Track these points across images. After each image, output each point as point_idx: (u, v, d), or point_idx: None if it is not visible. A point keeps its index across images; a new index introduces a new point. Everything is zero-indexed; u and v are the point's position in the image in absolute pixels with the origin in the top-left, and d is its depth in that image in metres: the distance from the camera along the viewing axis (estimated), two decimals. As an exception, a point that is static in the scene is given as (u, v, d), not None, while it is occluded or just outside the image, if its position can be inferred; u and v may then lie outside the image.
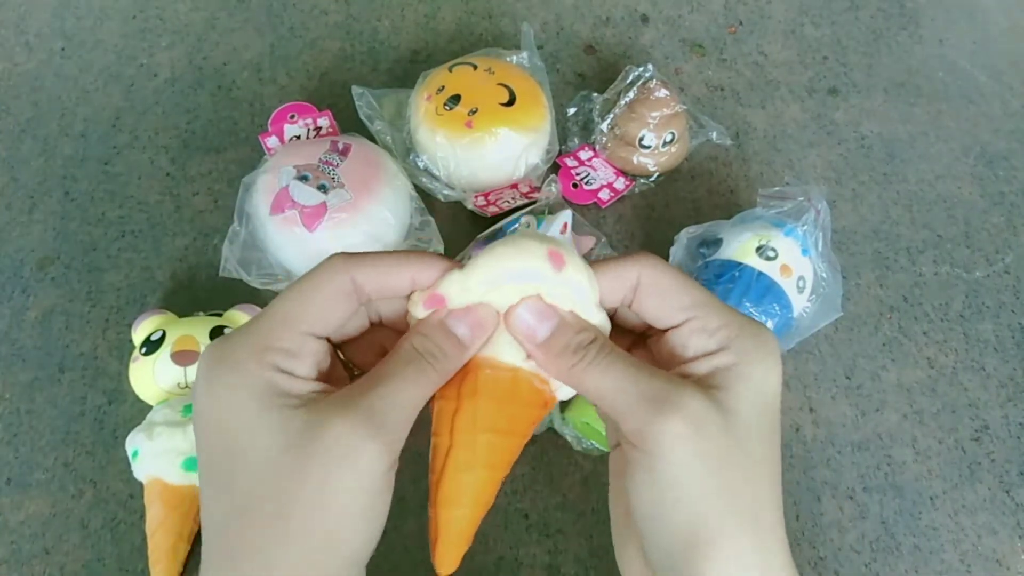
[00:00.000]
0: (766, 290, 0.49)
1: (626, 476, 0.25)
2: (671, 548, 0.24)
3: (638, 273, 0.26)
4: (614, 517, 0.29)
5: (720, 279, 0.49)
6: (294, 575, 0.22)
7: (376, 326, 0.28)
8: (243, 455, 0.23)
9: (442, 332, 0.25)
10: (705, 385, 0.24)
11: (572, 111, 0.64)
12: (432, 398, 0.26)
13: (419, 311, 0.26)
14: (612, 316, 0.28)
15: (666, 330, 0.26)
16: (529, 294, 0.25)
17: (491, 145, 0.55)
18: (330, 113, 0.58)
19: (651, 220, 0.60)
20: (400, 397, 0.24)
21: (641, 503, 0.24)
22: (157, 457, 0.44)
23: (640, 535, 0.25)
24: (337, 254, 0.25)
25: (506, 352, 0.26)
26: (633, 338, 0.29)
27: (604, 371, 0.25)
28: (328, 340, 0.26)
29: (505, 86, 0.56)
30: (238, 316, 0.51)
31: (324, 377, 0.25)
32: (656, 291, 0.26)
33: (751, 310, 0.48)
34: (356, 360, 0.28)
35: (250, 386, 0.23)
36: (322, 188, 0.52)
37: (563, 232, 0.51)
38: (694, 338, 0.26)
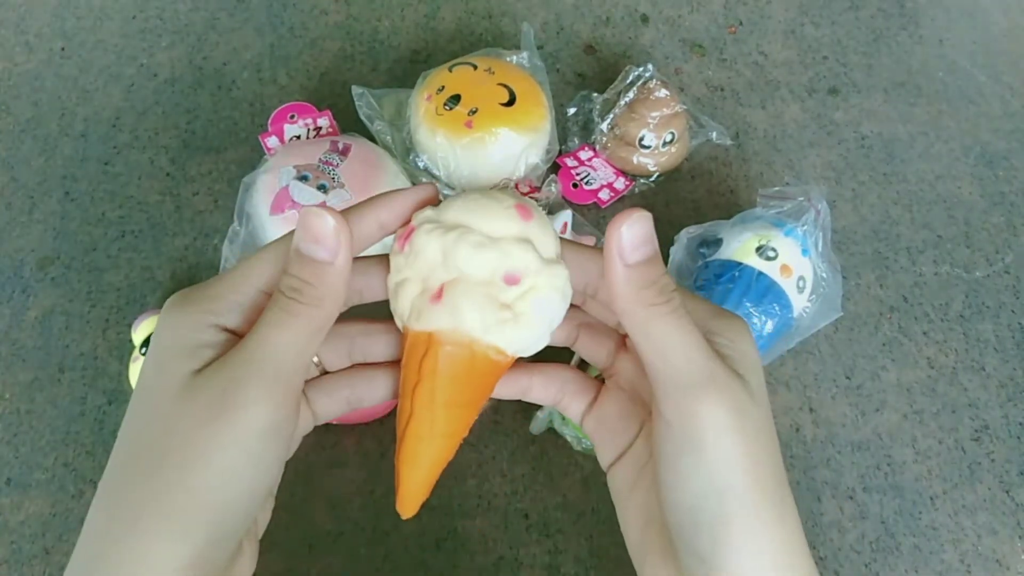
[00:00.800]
0: (766, 290, 0.49)
1: (663, 462, 0.24)
2: (708, 547, 0.23)
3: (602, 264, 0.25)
4: (631, 534, 0.28)
5: (720, 279, 0.49)
6: (160, 531, 0.22)
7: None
8: (145, 396, 0.23)
9: (299, 260, 0.23)
10: (735, 371, 0.24)
11: (572, 111, 0.64)
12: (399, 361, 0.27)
13: (394, 252, 0.26)
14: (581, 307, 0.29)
15: None
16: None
17: (491, 145, 0.55)
18: (330, 113, 0.59)
19: (651, 220, 0.60)
20: (275, 344, 0.23)
21: (683, 496, 0.24)
22: (157, 457, 0.44)
23: (674, 535, 0.25)
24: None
25: (468, 319, 0.25)
26: (617, 338, 0.29)
27: (680, 327, 0.23)
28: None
29: (505, 86, 0.56)
30: (238, 316, 0.51)
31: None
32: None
33: (751, 310, 0.48)
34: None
35: (177, 330, 0.23)
36: (322, 188, 0.52)
37: (563, 232, 0.51)
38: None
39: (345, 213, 0.25)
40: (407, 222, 0.27)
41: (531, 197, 0.57)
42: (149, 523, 0.21)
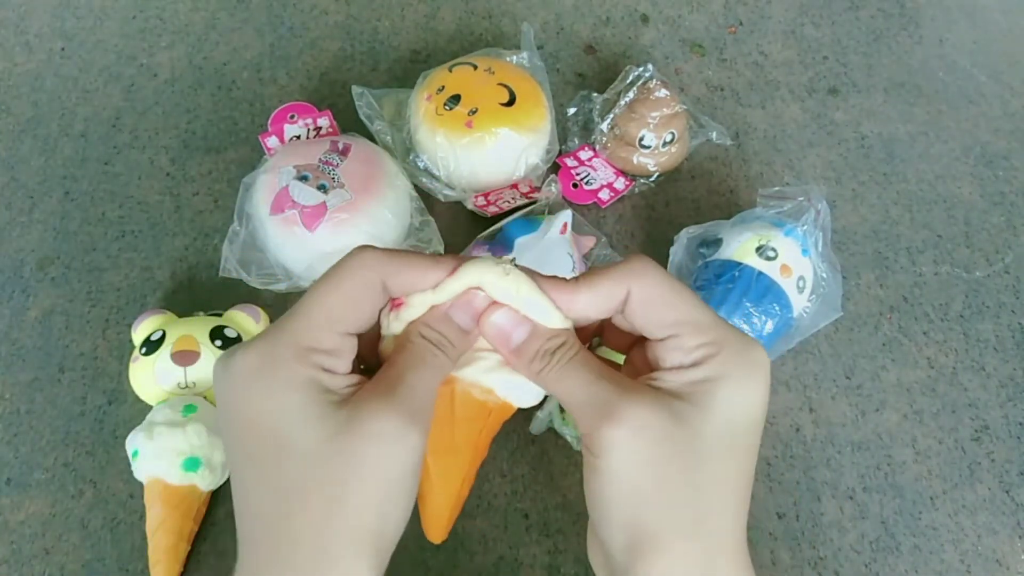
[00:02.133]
0: (766, 290, 0.49)
1: (585, 479, 0.26)
2: (617, 547, 0.25)
3: (627, 288, 0.27)
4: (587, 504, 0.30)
5: (720, 279, 0.49)
6: (346, 557, 0.23)
7: None
8: (290, 448, 0.24)
9: (446, 322, 0.27)
10: (673, 396, 0.25)
11: (572, 111, 0.64)
12: None
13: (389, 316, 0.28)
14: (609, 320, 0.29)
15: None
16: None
17: (491, 145, 0.55)
18: (330, 113, 0.59)
19: (651, 220, 0.60)
20: (423, 385, 0.26)
21: (590, 502, 0.26)
22: (157, 457, 0.44)
23: (597, 536, 0.27)
24: (366, 249, 0.26)
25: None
26: (634, 338, 0.29)
27: (565, 376, 0.26)
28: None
29: (505, 86, 0.56)
30: (238, 316, 0.51)
31: (354, 369, 0.27)
32: (642, 306, 0.27)
33: (751, 310, 0.48)
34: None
35: (296, 385, 0.24)
36: (322, 188, 0.52)
37: (563, 232, 0.51)
38: (671, 355, 0.26)
39: (408, 261, 0.27)
40: None
41: (531, 197, 0.57)
42: (339, 544, 0.23)
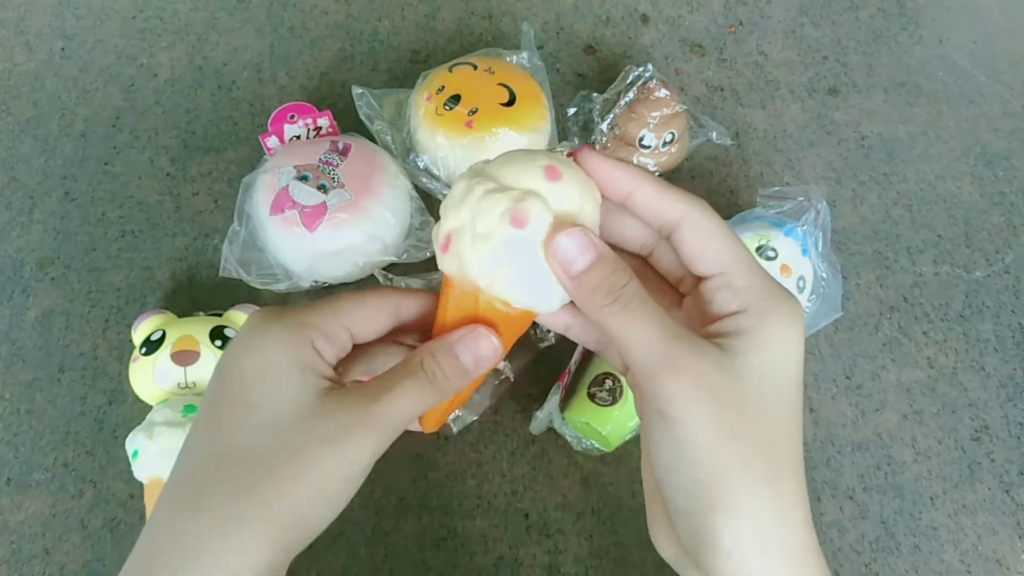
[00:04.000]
0: (766, 290, 0.48)
1: (644, 435, 0.26)
2: (689, 507, 0.25)
3: (683, 211, 0.26)
4: (646, 488, 0.30)
5: (720, 279, 0.49)
6: (252, 535, 0.24)
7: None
8: (256, 407, 0.25)
9: (448, 357, 0.27)
10: (723, 347, 0.25)
11: (572, 111, 0.64)
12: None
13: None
14: (647, 260, 0.29)
15: (698, 283, 0.27)
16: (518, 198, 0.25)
17: (491, 145, 0.55)
18: (330, 113, 0.58)
19: (651, 220, 0.60)
20: (400, 406, 0.26)
21: (658, 460, 0.25)
22: (157, 457, 0.44)
23: (662, 495, 0.26)
24: (390, 286, 0.29)
25: (469, 269, 0.26)
26: (670, 299, 0.30)
27: (632, 320, 0.25)
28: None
29: (505, 86, 0.56)
30: (238, 316, 0.51)
31: (338, 367, 0.28)
32: (697, 236, 0.26)
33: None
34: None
35: (287, 347, 0.26)
36: (322, 188, 0.52)
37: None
38: (720, 294, 0.26)
39: (421, 294, 0.30)
40: None
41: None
42: (250, 523, 0.24)
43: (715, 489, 0.24)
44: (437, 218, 0.28)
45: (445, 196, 0.27)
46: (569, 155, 0.27)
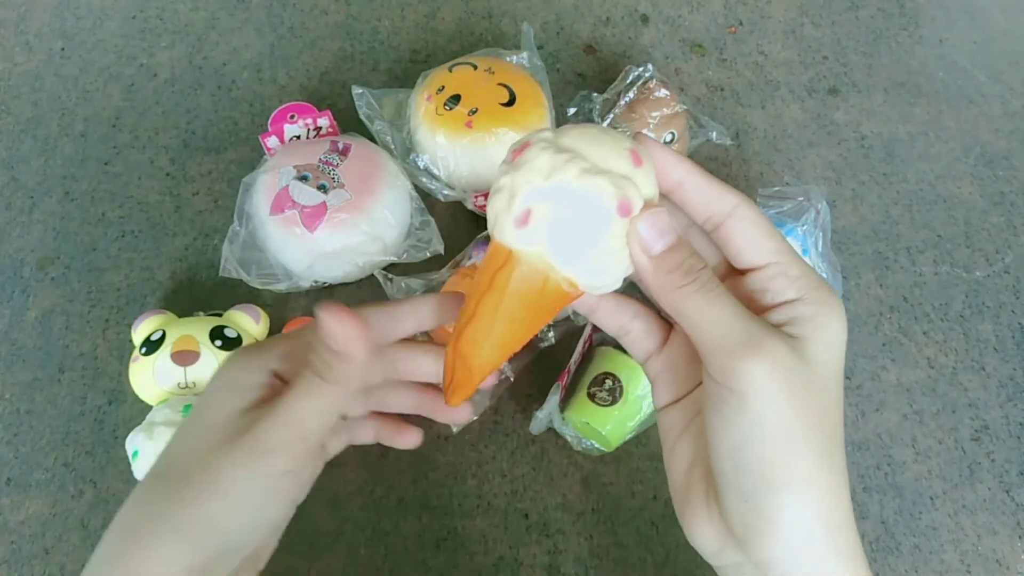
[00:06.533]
0: (766, 290, 0.48)
1: (710, 414, 0.26)
2: (749, 486, 0.25)
3: (736, 203, 0.27)
4: (674, 475, 0.30)
5: (720, 279, 0.49)
6: (166, 542, 0.26)
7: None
8: (196, 425, 0.28)
9: (323, 347, 0.27)
10: (786, 333, 0.25)
11: (572, 111, 0.64)
12: (482, 263, 0.29)
13: (503, 163, 0.27)
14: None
15: (744, 272, 0.27)
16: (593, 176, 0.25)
17: (491, 145, 0.55)
18: (330, 113, 0.58)
19: (651, 220, 0.60)
20: (298, 407, 0.27)
21: (725, 440, 0.25)
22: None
23: (717, 476, 0.26)
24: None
25: (551, 248, 0.25)
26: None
27: (709, 301, 0.25)
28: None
29: (505, 86, 0.56)
30: (238, 316, 0.51)
31: None
32: (751, 225, 0.27)
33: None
34: None
35: (235, 371, 0.28)
36: (322, 188, 0.52)
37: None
38: (776, 282, 0.26)
39: (380, 309, 0.30)
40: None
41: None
42: (164, 530, 0.26)
43: (783, 468, 0.25)
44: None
45: (514, 165, 0.26)
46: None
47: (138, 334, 0.50)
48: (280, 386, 0.28)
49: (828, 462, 0.25)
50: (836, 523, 0.26)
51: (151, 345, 0.49)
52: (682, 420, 0.30)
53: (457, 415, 0.34)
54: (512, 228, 0.26)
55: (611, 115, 0.60)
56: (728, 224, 0.27)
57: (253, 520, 0.27)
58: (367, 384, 0.32)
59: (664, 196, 0.28)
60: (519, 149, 0.26)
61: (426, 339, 0.34)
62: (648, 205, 0.26)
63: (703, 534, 0.28)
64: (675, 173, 0.27)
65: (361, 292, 0.55)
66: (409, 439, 0.35)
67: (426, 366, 0.33)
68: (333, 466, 0.49)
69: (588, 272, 0.26)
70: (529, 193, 0.25)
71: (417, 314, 0.32)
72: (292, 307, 0.55)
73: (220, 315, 0.51)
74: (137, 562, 0.25)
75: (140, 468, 0.45)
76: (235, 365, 0.29)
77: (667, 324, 0.31)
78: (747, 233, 0.27)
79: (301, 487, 0.30)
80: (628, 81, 0.60)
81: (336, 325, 0.27)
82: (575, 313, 0.52)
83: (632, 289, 0.29)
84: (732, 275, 0.28)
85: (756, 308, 0.27)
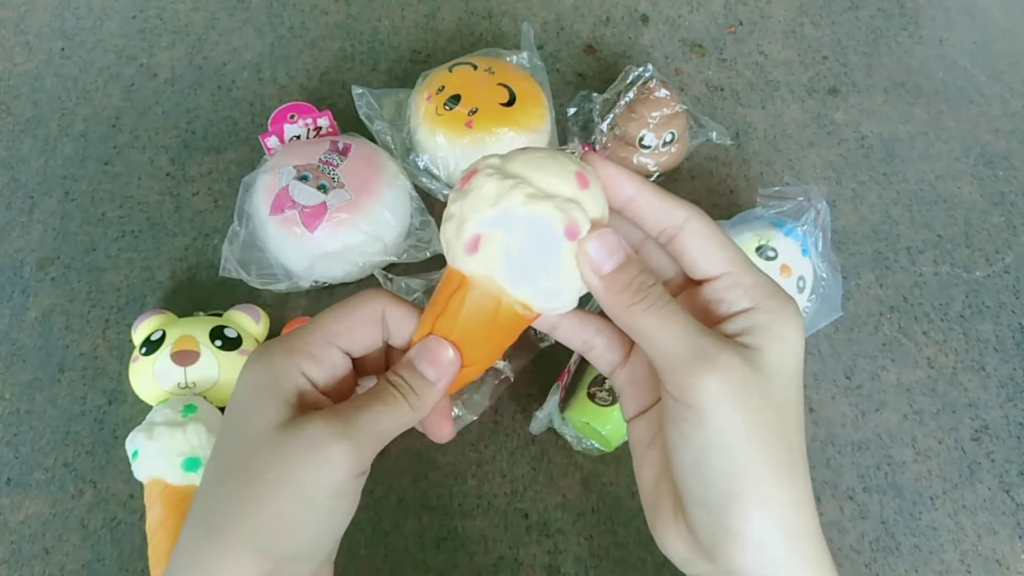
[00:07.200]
0: (766, 290, 0.48)
1: (669, 429, 0.26)
2: (712, 499, 0.25)
3: (687, 216, 0.27)
4: (644, 485, 0.30)
5: (720, 279, 0.49)
6: (241, 551, 0.25)
7: (389, 347, 0.31)
8: (242, 429, 0.26)
9: (410, 371, 0.28)
10: (740, 343, 0.26)
11: (572, 111, 0.64)
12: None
13: (455, 189, 0.28)
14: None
15: (700, 283, 0.28)
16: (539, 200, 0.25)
17: (491, 145, 0.55)
18: (330, 113, 0.58)
19: (651, 220, 0.60)
20: (373, 419, 0.27)
21: (685, 454, 0.26)
22: (157, 457, 0.44)
23: (680, 489, 0.27)
24: (377, 289, 0.30)
25: (500, 273, 0.26)
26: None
27: (661, 318, 0.26)
28: (350, 357, 0.29)
29: (505, 86, 0.56)
30: (238, 316, 0.51)
31: (338, 385, 0.29)
32: (701, 239, 0.27)
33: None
34: (366, 370, 0.31)
35: (271, 373, 0.27)
36: (322, 188, 0.52)
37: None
38: (730, 292, 0.27)
39: (406, 303, 0.30)
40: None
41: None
42: (238, 533, 0.25)
43: (742, 480, 0.25)
44: (437, 218, 0.28)
45: (462, 192, 0.26)
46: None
47: (138, 334, 0.50)
48: (312, 391, 0.28)
49: (788, 472, 0.25)
50: (799, 533, 0.26)
51: (151, 345, 0.49)
52: (649, 432, 0.30)
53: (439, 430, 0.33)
54: (463, 254, 0.26)
55: (611, 115, 0.60)
56: (680, 237, 0.27)
57: (322, 523, 0.27)
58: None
59: (618, 212, 0.28)
60: (467, 176, 0.27)
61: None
62: (597, 225, 0.26)
63: (673, 544, 0.28)
64: (626, 190, 0.28)
65: (361, 292, 0.55)
66: (445, 431, 0.33)
67: None
68: (333, 466, 0.49)
69: (541, 295, 0.27)
70: (477, 220, 0.26)
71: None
72: (292, 307, 0.55)
73: (220, 315, 0.51)
74: (214, 570, 0.25)
75: (140, 468, 0.45)
76: (270, 365, 0.27)
77: (629, 338, 0.31)
78: (699, 244, 0.27)
79: (356, 498, 0.28)
80: (628, 81, 0.60)
81: (440, 348, 0.27)
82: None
83: (595, 304, 0.30)
84: (689, 286, 0.29)
85: (713, 319, 0.27)
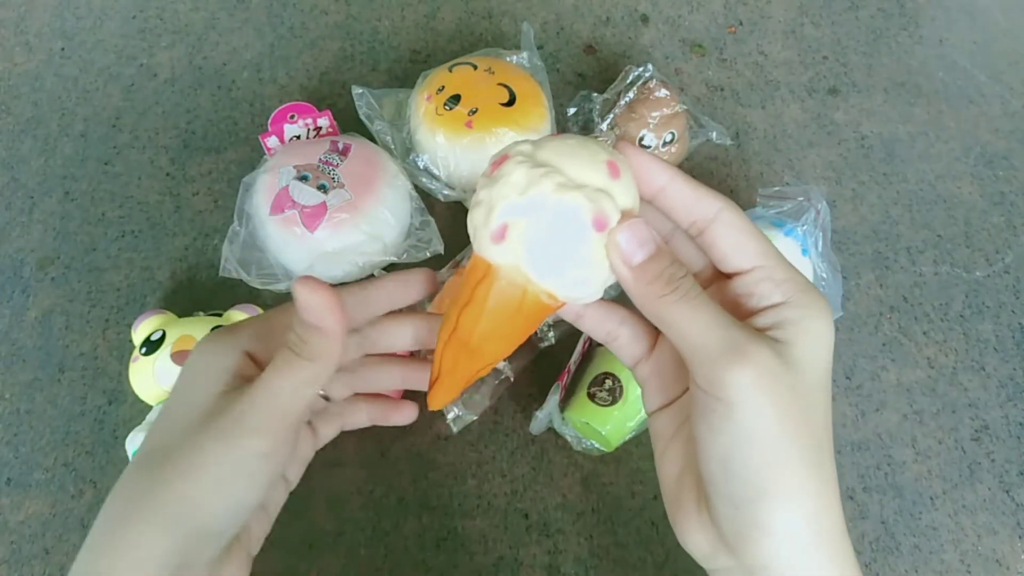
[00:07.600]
0: (766, 290, 0.48)
1: (697, 421, 0.26)
2: (739, 492, 0.25)
3: (720, 207, 0.27)
4: (665, 479, 0.30)
5: (720, 279, 0.49)
6: (149, 521, 0.26)
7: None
8: (174, 411, 0.28)
9: (300, 323, 0.27)
10: (771, 337, 0.25)
11: (572, 111, 0.64)
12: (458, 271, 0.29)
13: (483, 175, 0.27)
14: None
15: (730, 277, 0.27)
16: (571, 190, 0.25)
17: (491, 145, 0.55)
18: (330, 113, 0.58)
19: (651, 220, 0.60)
20: (277, 386, 0.27)
21: (713, 447, 0.25)
22: (157, 457, 0.44)
23: (706, 482, 0.26)
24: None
25: (528, 262, 0.26)
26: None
27: (692, 309, 0.25)
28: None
29: (505, 86, 0.56)
30: (238, 316, 0.51)
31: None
32: (735, 229, 0.27)
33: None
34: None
35: (207, 356, 0.28)
36: (322, 188, 0.52)
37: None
38: (762, 286, 0.26)
39: (351, 291, 0.31)
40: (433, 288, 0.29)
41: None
42: (142, 514, 0.26)
43: (772, 475, 0.24)
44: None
45: (492, 178, 0.26)
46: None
47: (138, 334, 0.50)
48: (254, 368, 0.28)
49: (817, 468, 0.25)
50: (826, 529, 0.25)
51: (151, 345, 0.49)
52: (672, 425, 0.30)
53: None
54: (490, 243, 0.26)
55: (611, 115, 0.60)
56: (712, 228, 0.27)
57: (232, 503, 0.27)
58: (345, 360, 0.32)
59: (648, 202, 0.28)
60: (497, 162, 0.26)
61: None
62: (627, 215, 0.26)
63: (695, 539, 0.28)
64: (658, 179, 0.27)
65: (361, 292, 0.55)
66: (404, 414, 0.34)
67: (403, 336, 0.33)
68: (333, 466, 0.49)
69: (567, 285, 0.26)
70: (505, 208, 0.25)
71: (386, 293, 0.32)
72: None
73: (220, 315, 0.51)
74: (123, 547, 0.26)
75: (140, 468, 0.45)
76: (208, 349, 0.29)
77: (654, 329, 0.30)
78: (731, 237, 0.27)
79: (282, 464, 0.29)
80: (628, 81, 0.60)
81: (310, 295, 0.27)
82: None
83: (621, 295, 0.30)
84: (718, 279, 0.28)
85: (742, 312, 0.27)
